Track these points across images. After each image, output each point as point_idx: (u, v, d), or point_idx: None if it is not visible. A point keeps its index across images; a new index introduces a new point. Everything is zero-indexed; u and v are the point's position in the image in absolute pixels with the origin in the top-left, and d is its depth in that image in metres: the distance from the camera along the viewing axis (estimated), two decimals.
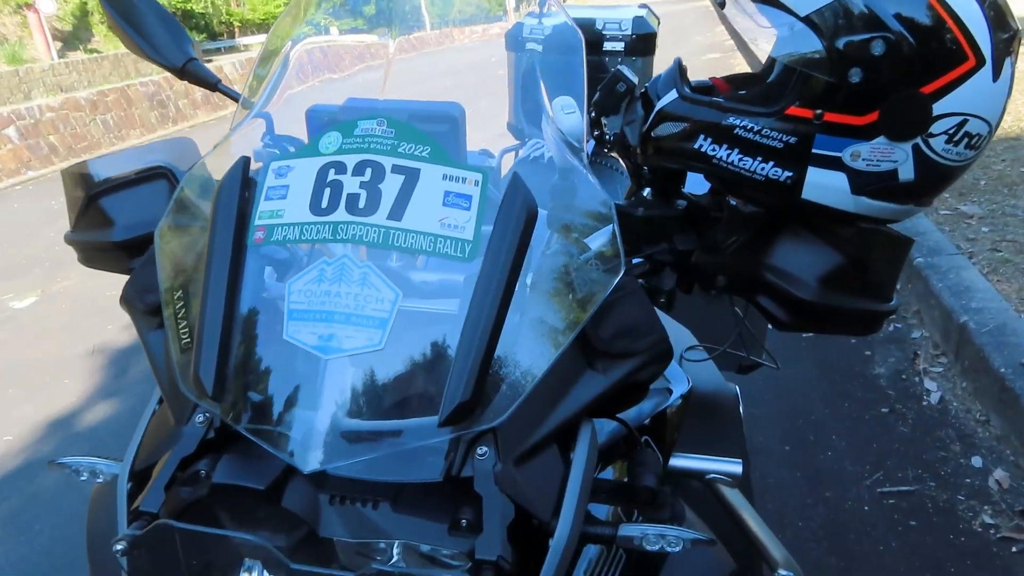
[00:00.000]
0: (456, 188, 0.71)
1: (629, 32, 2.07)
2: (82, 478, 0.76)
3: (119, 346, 3.97)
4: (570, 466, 0.69)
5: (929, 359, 3.02)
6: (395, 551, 0.64)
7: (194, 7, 29.18)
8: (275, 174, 0.74)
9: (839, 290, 0.89)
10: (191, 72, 1.11)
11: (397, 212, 0.69)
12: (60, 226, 5.17)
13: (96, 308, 4.56)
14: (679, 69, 0.94)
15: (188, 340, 0.71)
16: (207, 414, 0.69)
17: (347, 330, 0.66)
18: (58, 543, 2.51)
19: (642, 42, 2.10)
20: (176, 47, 1.09)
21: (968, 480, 2.34)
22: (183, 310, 0.73)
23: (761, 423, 2.69)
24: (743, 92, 0.95)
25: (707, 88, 0.98)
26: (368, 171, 0.71)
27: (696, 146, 0.89)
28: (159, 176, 0.96)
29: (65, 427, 3.20)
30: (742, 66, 0.90)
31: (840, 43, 0.79)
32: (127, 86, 11.97)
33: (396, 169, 0.71)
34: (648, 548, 0.68)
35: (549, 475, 0.68)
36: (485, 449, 0.65)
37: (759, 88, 0.89)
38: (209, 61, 21.27)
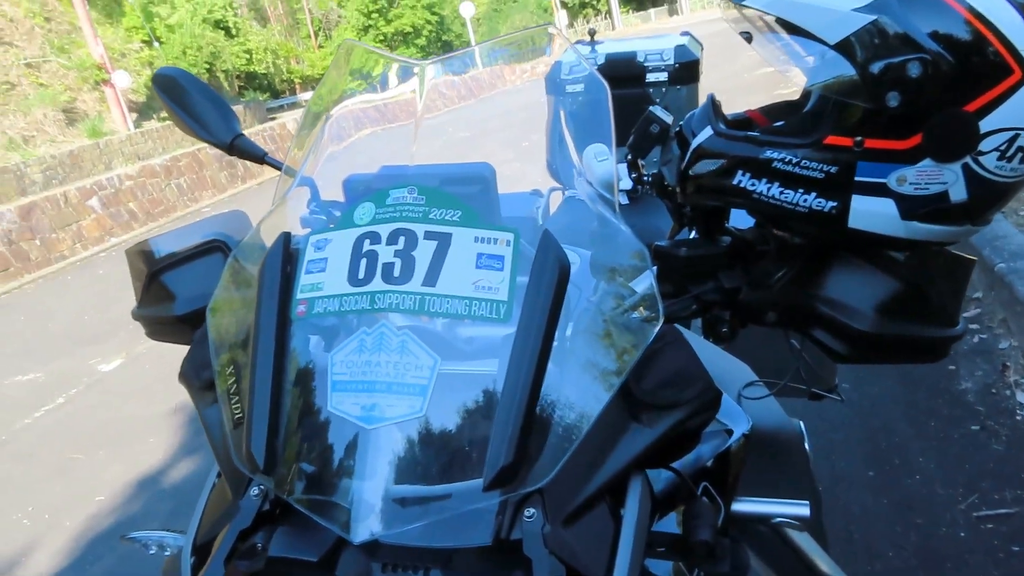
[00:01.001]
0: (488, 249, 0.71)
1: (672, 62, 2.07)
2: (151, 552, 0.78)
3: None
4: (621, 522, 0.68)
5: (1020, 370, 2.86)
6: None
7: (256, 68, 30.49)
8: (314, 247, 0.76)
9: (899, 318, 0.85)
10: (239, 147, 1.16)
11: (431, 278, 0.70)
12: None
13: (176, 368, 4.73)
14: (713, 105, 0.93)
15: (240, 415, 0.73)
16: (262, 487, 0.70)
17: (388, 399, 0.67)
18: None
19: (685, 70, 2.09)
20: (225, 126, 1.14)
21: None
22: (234, 385, 0.75)
23: (841, 447, 2.59)
24: (780, 124, 0.93)
25: (743, 122, 0.97)
26: (401, 239, 0.72)
27: (735, 182, 0.87)
28: (215, 250, 1.00)
29: (151, 485, 3.31)
30: (801, 78, 0.88)
31: (874, 68, 0.76)
32: (198, 150, 12.50)
33: (428, 235, 0.72)
34: None
35: (600, 533, 0.67)
36: (533, 511, 0.64)
37: (796, 119, 0.87)
38: (274, 118, 22.07)
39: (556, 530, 0.64)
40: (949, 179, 0.79)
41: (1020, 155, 0.78)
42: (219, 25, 26.24)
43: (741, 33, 0.91)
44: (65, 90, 17.17)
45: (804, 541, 0.86)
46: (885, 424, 2.71)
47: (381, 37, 41.28)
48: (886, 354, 0.88)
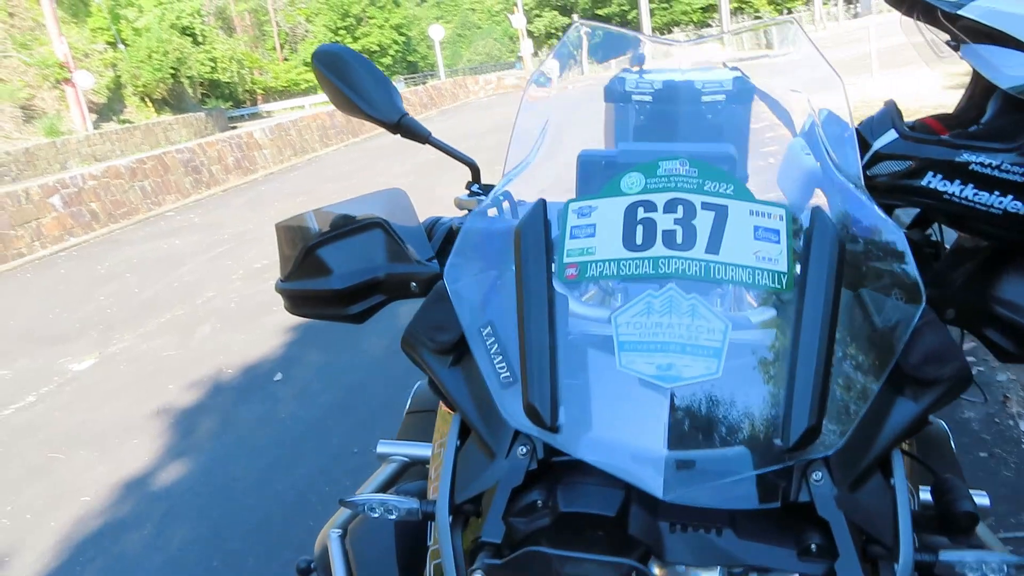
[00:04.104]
0: (764, 223, 0.72)
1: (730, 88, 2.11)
2: (375, 515, 0.76)
3: (184, 405, 3.98)
4: (893, 492, 0.69)
5: (1021, 402, 2.95)
6: None
7: (220, 77, 30.16)
8: (577, 214, 0.76)
9: None
10: (404, 126, 1.13)
11: (714, 246, 0.70)
12: (111, 289, 5.33)
13: (156, 368, 4.60)
14: (895, 109, 0.95)
15: (508, 375, 0.72)
16: (527, 446, 0.69)
17: (684, 359, 0.66)
18: None
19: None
20: (391, 104, 1.11)
21: None
22: (494, 345, 0.74)
23: None
24: (975, 129, 0.95)
25: (923, 127, 0.99)
26: (680, 208, 0.72)
27: (924, 183, 0.89)
28: (375, 226, 0.99)
29: (141, 487, 3.18)
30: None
31: None
32: (164, 153, 12.26)
33: (705, 206, 0.72)
34: (969, 574, 0.66)
35: (878, 502, 0.67)
36: (820, 474, 0.64)
37: (994, 124, 0.89)
38: (234, 127, 21.85)
39: (844, 494, 0.64)
40: None
41: None
42: (186, 32, 25.92)
43: (947, 42, 0.93)
44: (24, 87, 16.72)
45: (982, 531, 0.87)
46: None
47: None
48: None
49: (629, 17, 53.69)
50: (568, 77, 1.13)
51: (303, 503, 2.85)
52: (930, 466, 0.86)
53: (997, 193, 0.86)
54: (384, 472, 1.04)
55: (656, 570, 0.66)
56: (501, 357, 0.73)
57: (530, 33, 49.61)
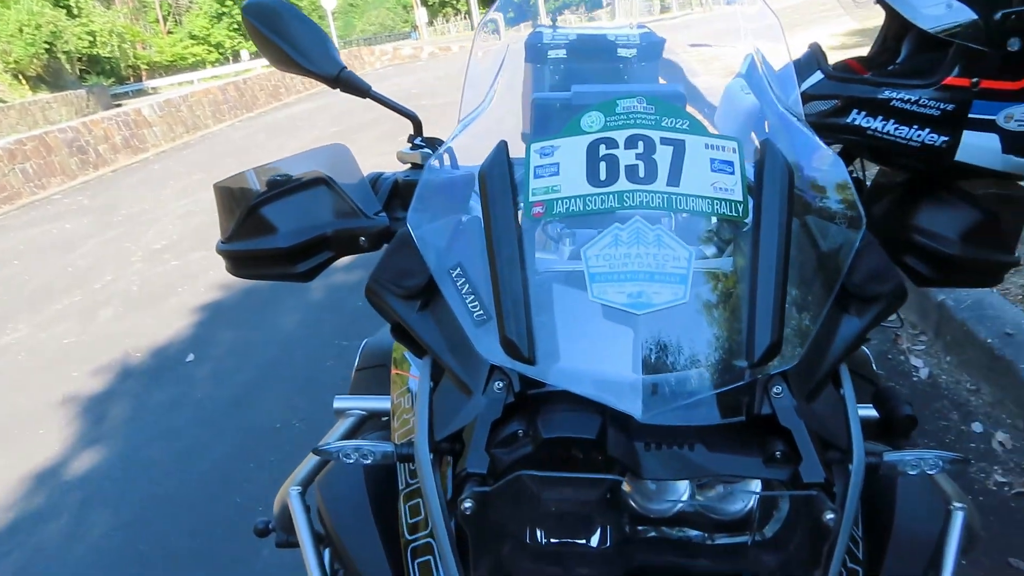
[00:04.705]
0: (719, 156, 0.76)
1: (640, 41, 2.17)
2: (350, 461, 0.77)
3: (91, 392, 3.82)
4: (843, 402, 0.75)
5: (910, 339, 3.18)
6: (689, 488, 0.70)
7: (100, 52, 28.44)
8: (539, 154, 0.78)
9: (977, 245, 0.97)
10: (344, 80, 1.11)
11: (674, 179, 0.74)
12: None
13: (57, 356, 4.38)
14: (820, 51, 1.01)
15: (481, 312, 0.74)
16: (504, 380, 0.71)
17: (653, 287, 0.70)
18: None
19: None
20: (328, 58, 1.09)
21: (973, 445, 2.47)
22: (465, 286, 0.76)
23: None
24: (893, 67, 1.02)
25: (846, 68, 1.06)
26: (640, 144, 0.76)
27: (849, 120, 0.97)
28: (319, 183, 0.98)
29: (52, 478, 3.05)
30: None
31: (998, 15, 0.87)
32: (45, 133, 11.53)
33: (664, 141, 0.76)
34: (910, 472, 0.74)
35: (832, 410, 0.74)
36: (780, 388, 0.69)
37: (910, 63, 0.97)
38: (119, 104, 20.65)
39: (802, 405, 0.70)
40: None
41: None
42: (59, 3, 24.27)
43: None
44: None
45: None
46: None
47: (235, 25, 39.60)
48: (962, 276, 1.01)
49: None
50: (514, 28, 1.15)
51: (226, 482, 2.80)
52: (871, 378, 0.93)
53: (916, 127, 0.94)
54: (343, 426, 1.05)
55: (625, 487, 0.71)
56: (473, 296, 0.75)
57: (424, 2, 48.80)
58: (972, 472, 2.35)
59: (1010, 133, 0.92)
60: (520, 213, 0.75)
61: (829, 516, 0.66)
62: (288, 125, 13.81)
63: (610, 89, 0.93)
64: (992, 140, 0.93)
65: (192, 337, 4.37)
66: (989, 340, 2.66)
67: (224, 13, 39.23)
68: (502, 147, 0.79)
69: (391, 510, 0.90)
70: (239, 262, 1.02)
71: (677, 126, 0.78)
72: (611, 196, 0.73)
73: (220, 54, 40.52)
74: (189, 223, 7.15)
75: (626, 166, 0.74)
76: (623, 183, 0.74)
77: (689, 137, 0.77)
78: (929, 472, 0.75)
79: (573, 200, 0.74)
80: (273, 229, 0.97)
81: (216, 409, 3.42)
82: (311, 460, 1.06)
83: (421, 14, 37.65)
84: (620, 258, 0.71)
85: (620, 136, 0.77)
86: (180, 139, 14.69)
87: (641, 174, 0.74)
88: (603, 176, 0.74)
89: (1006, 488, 2.26)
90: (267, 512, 1.15)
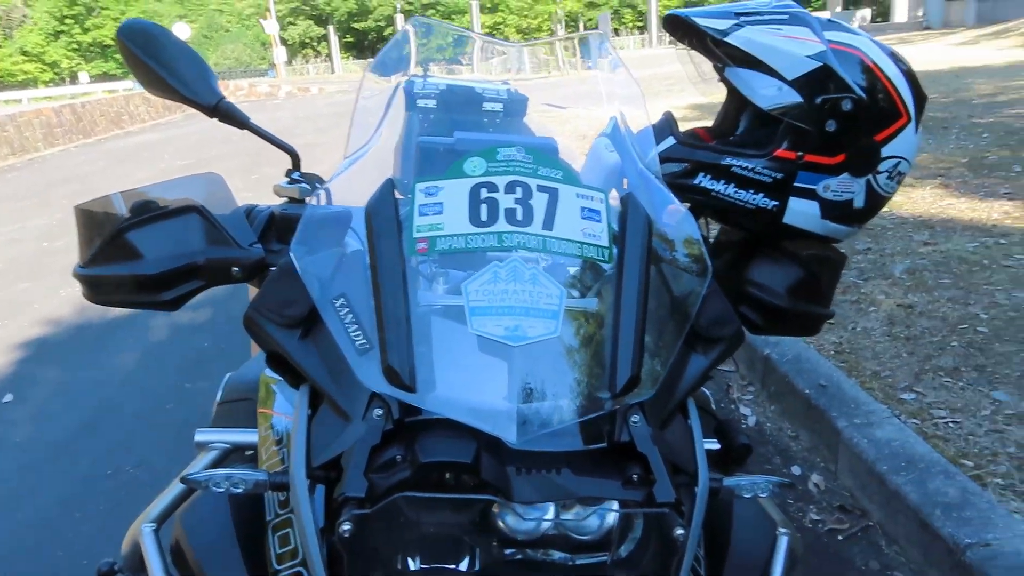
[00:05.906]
0: (588, 204, 0.84)
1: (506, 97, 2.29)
2: (220, 490, 0.76)
3: None
4: (691, 432, 0.84)
5: (740, 389, 3.45)
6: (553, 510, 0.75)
7: None
8: (424, 193, 0.83)
9: (801, 299, 1.12)
10: (223, 110, 1.10)
11: (548, 223, 0.81)
12: None
13: None
14: (672, 119, 1.14)
15: (364, 342, 0.77)
16: (383, 408, 0.74)
17: (528, 321, 0.75)
18: None
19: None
20: (207, 87, 1.08)
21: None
22: (348, 315, 0.79)
23: None
24: (733, 138, 1.16)
25: (694, 135, 1.19)
26: (519, 189, 0.82)
27: (696, 181, 1.09)
28: (191, 210, 0.97)
29: None
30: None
31: (819, 100, 1.02)
32: None
33: (540, 188, 0.83)
34: (745, 495, 0.83)
35: (681, 438, 0.82)
36: (638, 417, 0.77)
37: (749, 135, 1.10)
38: None
39: (657, 432, 0.78)
40: (856, 190, 1.07)
41: (897, 177, 1.09)
42: None
43: (715, 65, 1.13)
44: None
45: None
46: None
47: (75, 45, 37.30)
48: (786, 327, 1.15)
49: (385, 33, 53.90)
50: (400, 73, 1.20)
51: (51, 530, 2.59)
52: (712, 413, 1.04)
53: (752, 191, 1.07)
54: (206, 459, 1.03)
55: (495, 509, 0.75)
56: (356, 326, 0.78)
57: (284, 40, 48.11)
58: (791, 511, 2.56)
59: (828, 201, 1.07)
60: (404, 248, 0.79)
61: (679, 531, 0.73)
62: (132, 154, 13.08)
63: (489, 138, 1.01)
64: (813, 207, 1.07)
65: (11, 375, 4.02)
66: (806, 391, 2.93)
67: (63, 31, 36.87)
68: (388, 185, 0.84)
69: (257, 542, 0.90)
70: (98, 287, 0.98)
71: (552, 175, 0.85)
72: (491, 236, 0.79)
73: (56, 74, 38.00)
74: (13, 251, 6.60)
75: (506, 209, 0.81)
76: (502, 224, 0.79)
77: (562, 186, 0.84)
78: (762, 496, 0.85)
79: (456, 238, 0.79)
80: (139, 255, 0.95)
81: (38, 453, 3.15)
82: (166, 495, 1.04)
83: (280, 52, 37.07)
84: (498, 294, 0.77)
85: (501, 181, 0.83)
86: (4, 161, 13.56)
87: (519, 217, 0.80)
88: (484, 217, 0.80)
89: (820, 525, 2.49)
90: (106, 554, 1.11)
